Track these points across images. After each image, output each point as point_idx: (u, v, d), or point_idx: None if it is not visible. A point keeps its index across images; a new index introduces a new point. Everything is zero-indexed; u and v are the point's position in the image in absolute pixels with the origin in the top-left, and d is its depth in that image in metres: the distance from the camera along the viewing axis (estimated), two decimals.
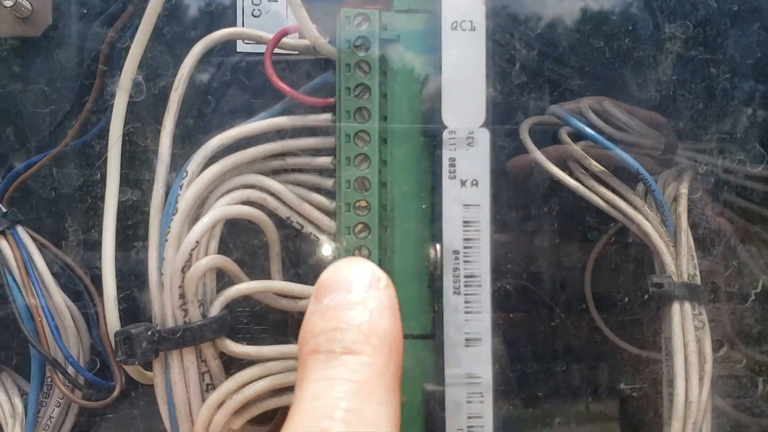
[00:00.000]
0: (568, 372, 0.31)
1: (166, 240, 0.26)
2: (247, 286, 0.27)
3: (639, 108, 0.32)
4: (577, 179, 0.32)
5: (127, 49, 0.26)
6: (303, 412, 0.20)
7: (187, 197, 0.26)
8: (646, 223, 0.32)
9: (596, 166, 0.32)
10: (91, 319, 0.32)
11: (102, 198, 0.27)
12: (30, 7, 0.32)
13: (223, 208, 0.26)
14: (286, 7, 0.32)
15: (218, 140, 0.27)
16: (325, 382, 0.20)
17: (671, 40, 0.30)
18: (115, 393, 0.31)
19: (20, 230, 0.31)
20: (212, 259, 0.26)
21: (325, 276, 0.23)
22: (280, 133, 0.27)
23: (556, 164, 0.32)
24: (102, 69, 0.30)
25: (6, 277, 0.31)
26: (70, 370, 0.31)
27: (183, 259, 0.25)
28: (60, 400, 0.32)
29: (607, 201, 0.32)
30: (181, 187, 0.26)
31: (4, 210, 0.31)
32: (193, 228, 0.25)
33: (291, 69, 0.28)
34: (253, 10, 0.32)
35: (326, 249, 0.28)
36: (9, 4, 0.31)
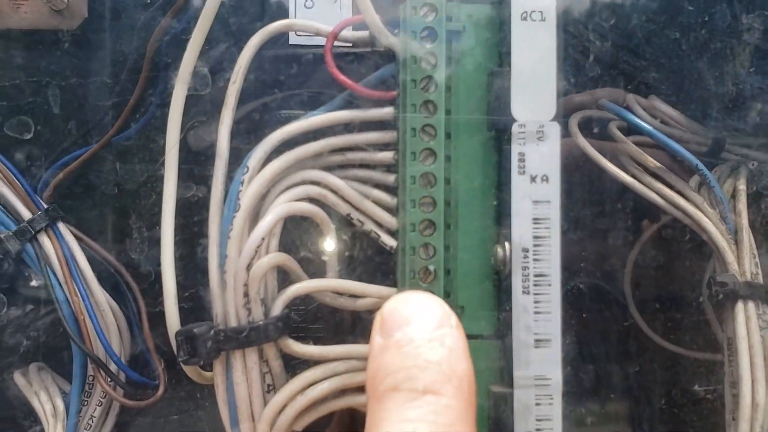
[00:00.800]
0: (641, 373, 0.30)
1: (229, 237, 0.25)
2: (308, 285, 0.26)
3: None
4: (633, 175, 0.32)
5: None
6: None
7: (249, 194, 0.25)
8: (706, 220, 0.31)
9: (652, 163, 0.32)
10: (133, 316, 0.32)
11: None
12: (65, 0, 0.31)
13: (286, 205, 0.26)
14: None
15: (279, 135, 0.26)
16: (408, 423, 0.19)
17: (749, 31, 0.30)
18: (159, 392, 0.31)
19: (61, 226, 0.31)
20: (275, 257, 0.25)
21: (391, 308, 0.22)
22: (347, 127, 0.26)
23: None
24: (149, 59, 0.29)
25: (48, 275, 0.30)
26: (113, 368, 0.30)
27: (248, 256, 0.24)
28: (102, 399, 0.31)
29: (664, 198, 0.31)
30: (242, 183, 0.25)
31: (45, 206, 0.31)
32: (258, 225, 0.25)
33: (356, 61, 0.27)
34: (306, 1, 0.31)
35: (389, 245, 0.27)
36: None
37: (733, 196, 0.32)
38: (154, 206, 0.27)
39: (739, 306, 0.30)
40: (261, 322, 0.25)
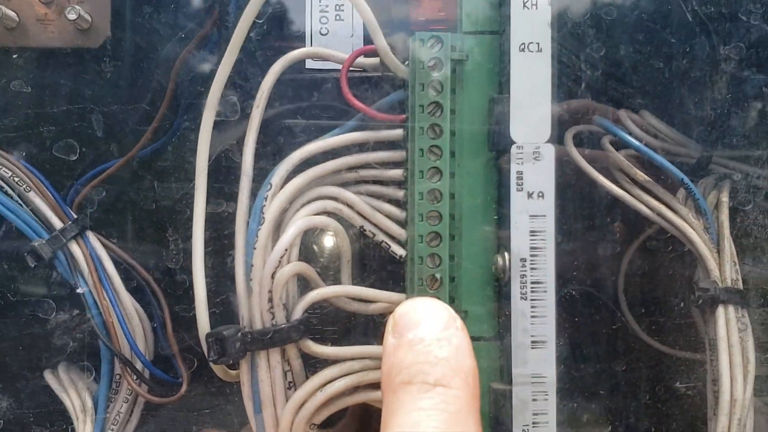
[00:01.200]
0: (628, 371, 0.32)
1: (254, 248, 0.27)
2: (326, 291, 0.28)
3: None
4: (622, 188, 0.34)
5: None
6: None
7: (272, 209, 0.28)
8: (691, 230, 0.33)
9: (641, 176, 0.33)
10: (157, 319, 0.34)
11: None
12: (90, 20, 0.33)
13: (305, 219, 0.28)
14: (352, 27, 0.33)
15: (299, 154, 0.29)
16: (421, 412, 0.22)
17: (726, 61, 0.32)
18: (183, 389, 0.32)
19: (90, 235, 0.33)
20: (296, 265, 0.28)
21: (402, 312, 0.25)
22: (361, 147, 0.28)
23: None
24: (172, 85, 0.32)
25: (78, 280, 0.32)
26: (138, 367, 0.32)
27: (273, 265, 0.27)
28: (128, 396, 0.33)
29: (652, 209, 0.33)
30: (266, 198, 0.28)
31: (75, 216, 0.32)
32: (281, 238, 0.27)
33: (370, 89, 0.30)
34: (321, 28, 0.33)
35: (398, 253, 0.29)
36: (73, 17, 0.33)
37: (716, 207, 0.34)
38: (188, 221, 0.30)
39: (720, 310, 0.32)
40: (283, 325, 0.27)
